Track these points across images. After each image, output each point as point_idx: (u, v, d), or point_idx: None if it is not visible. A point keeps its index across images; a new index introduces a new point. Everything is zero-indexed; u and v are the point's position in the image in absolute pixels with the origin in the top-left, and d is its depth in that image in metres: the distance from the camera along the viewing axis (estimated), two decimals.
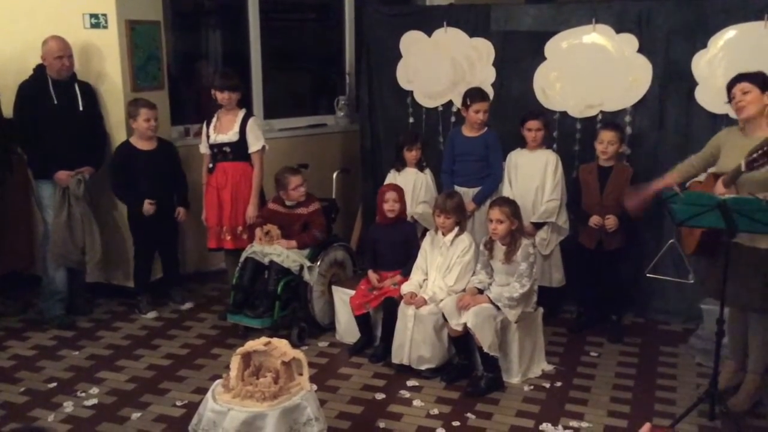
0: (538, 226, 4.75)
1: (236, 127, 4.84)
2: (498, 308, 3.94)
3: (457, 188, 4.88)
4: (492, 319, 3.91)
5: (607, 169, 4.55)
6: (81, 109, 4.75)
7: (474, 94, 4.84)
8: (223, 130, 4.86)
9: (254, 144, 4.87)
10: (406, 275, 4.34)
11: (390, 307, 4.25)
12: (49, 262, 4.79)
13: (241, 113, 4.89)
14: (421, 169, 5.02)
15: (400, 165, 5.04)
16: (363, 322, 4.39)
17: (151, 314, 4.95)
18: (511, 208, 4.02)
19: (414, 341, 4.09)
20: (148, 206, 4.80)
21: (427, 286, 4.20)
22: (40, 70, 4.73)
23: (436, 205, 4.28)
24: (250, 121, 4.87)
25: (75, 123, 4.73)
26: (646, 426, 3.22)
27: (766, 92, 3.48)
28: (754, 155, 3.19)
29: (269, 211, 4.84)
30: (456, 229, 4.20)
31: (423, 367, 4.09)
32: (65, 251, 4.71)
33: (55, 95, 4.69)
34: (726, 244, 3.38)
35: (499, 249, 4.04)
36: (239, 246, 4.86)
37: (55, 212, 4.68)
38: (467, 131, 4.91)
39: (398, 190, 4.55)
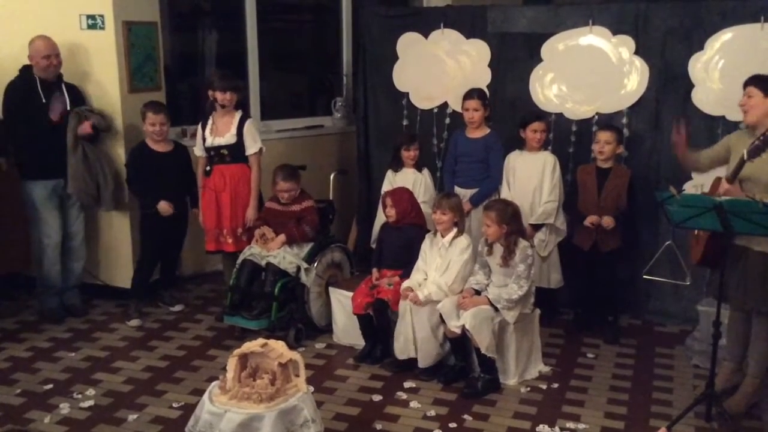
0: (536, 227, 4.75)
1: (233, 130, 4.82)
2: (496, 309, 3.95)
3: (457, 189, 4.92)
4: (489, 321, 3.91)
5: (605, 170, 4.56)
6: (69, 108, 4.75)
7: (465, 93, 4.90)
8: (219, 132, 4.85)
9: (252, 146, 4.85)
10: (405, 277, 4.34)
11: (381, 308, 4.25)
12: (45, 254, 4.84)
13: (238, 115, 4.87)
14: (419, 169, 5.03)
15: (397, 165, 5.05)
16: (366, 326, 4.36)
17: (134, 322, 4.87)
18: (499, 212, 3.99)
19: (418, 339, 4.09)
20: (164, 206, 4.77)
21: (425, 284, 4.18)
22: (26, 70, 4.73)
23: (434, 203, 4.30)
24: (248, 123, 4.86)
25: (64, 123, 4.72)
26: (661, 430, 3.23)
27: None
28: (756, 142, 3.26)
29: (266, 209, 4.85)
30: (454, 230, 4.20)
31: (424, 364, 4.09)
32: (84, 184, 4.78)
33: (44, 94, 4.70)
34: (726, 246, 3.38)
35: (498, 249, 4.05)
36: (240, 248, 4.84)
37: (71, 152, 4.72)
38: (469, 133, 4.93)
39: (395, 194, 4.49)
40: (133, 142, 4.97)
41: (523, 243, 4.03)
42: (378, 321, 4.28)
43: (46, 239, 4.85)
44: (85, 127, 4.73)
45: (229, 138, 4.82)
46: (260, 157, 4.91)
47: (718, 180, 3.66)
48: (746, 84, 3.59)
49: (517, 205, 4.20)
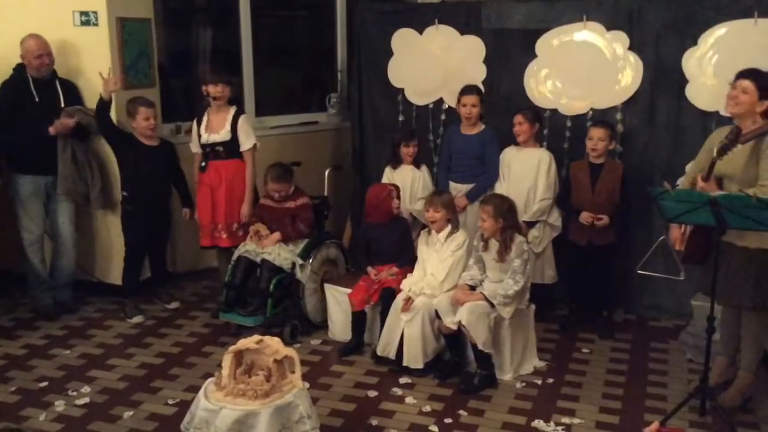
0: (530, 224, 4.76)
1: (227, 126, 4.81)
2: (492, 305, 3.95)
3: (452, 185, 4.92)
4: (485, 317, 3.92)
5: (598, 166, 4.56)
6: (63, 105, 4.74)
7: (463, 89, 4.89)
8: (214, 129, 4.83)
9: (246, 142, 4.85)
10: (401, 266, 4.37)
11: (388, 297, 4.26)
12: (25, 248, 4.86)
13: (232, 111, 4.86)
14: (417, 166, 5.03)
15: (396, 162, 5.04)
16: (358, 321, 4.38)
17: (137, 319, 4.89)
18: (496, 207, 4.00)
19: (407, 338, 4.10)
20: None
21: (420, 282, 4.19)
22: (20, 69, 4.73)
23: (426, 201, 4.31)
24: (241, 119, 4.84)
25: (56, 119, 4.70)
26: (654, 425, 3.24)
27: (763, 100, 3.42)
28: (724, 141, 3.23)
29: (261, 206, 4.85)
30: (449, 226, 4.21)
31: (419, 366, 4.09)
32: (73, 183, 4.79)
33: (37, 93, 4.70)
34: (716, 242, 3.39)
35: (494, 245, 4.05)
36: (235, 243, 4.85)
37: (61, 151, 4.71)
38: (464, 129, 4.92)
39: (396, 187, 4.58)
40: None
41: (519, 238, 4.04)
42: (386, 310, 4.27)
43: (25, 234, 4.87)
44: (66, 122, 4.68)
45: (223, 135, 4.81)
46: (255, 152, 4.90)
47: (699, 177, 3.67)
48: (742, 76, 3.47)
49: (513, 200, 4.21)
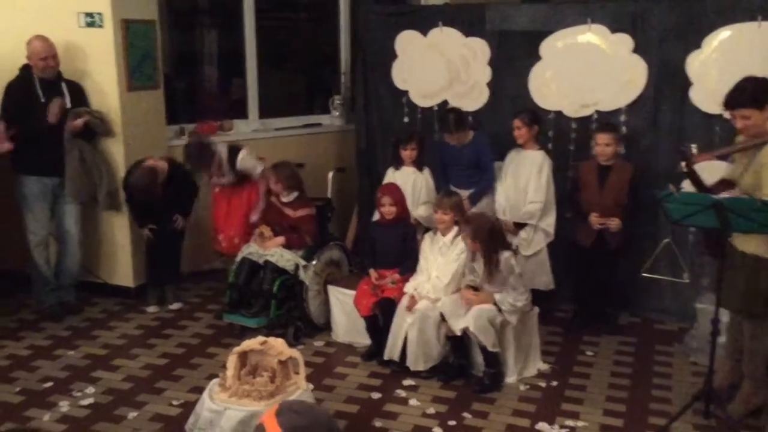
0: (520, 226, 4.75)
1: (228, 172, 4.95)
2: (499, 309, 3.94)
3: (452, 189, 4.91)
4: (492, 320, 3.91)
5: (606, 167, 4.55)
6: (69, 106, 4.75)
7: (442, 126, 4.99)
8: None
9: (257, 168, 4.96)
10: (403, 274, 4.35)
11: (388, 308, 4.25)
12: (31, 250, 4.88)
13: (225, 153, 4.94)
14: (420, 168, 5.02)
15: (397, 163, 5.04)
16: (372, 326, 4.35)
17: (152, 308, 5.04)
18: (474, 230, 3.93)
19: (410, 340, 4.10)
20: (146, 232, 4.96)
21: (425, 285, 4.18)
22: (26, 69, 4.75)
23: (435, 203, 4.30)
24: (239, 159, 4.90)
25: (63, 120, 4.71)
26: None
27: (765, 106, 3.35)
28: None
29: (268, 203, 4.91)
30: (455, 228, 4.21)
31: (420, 368, 4.09)
32: (81, 185, 4.82)
33: (43, 94, 4.71)
34: (723, 244, 3.39)
35: (481, 260, 3.99)
36: (230, 251, 4.97)
37: (68, 152, 4.74)
38: (450, 139, 4.90)
39: (393, 193, 4.49)
40: (131, 140, 4.99)
41: (504, 254, 3.97)
42: (384, 320, 4.27)
43: (31, 236, 4.88)
44: (75, 122, 4.71)
45: (230, 179, 4.97)
46: (265, 167, 4.98)
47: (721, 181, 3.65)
48: (736, 105, 3.39)
49: (498, 222, 4.21)
